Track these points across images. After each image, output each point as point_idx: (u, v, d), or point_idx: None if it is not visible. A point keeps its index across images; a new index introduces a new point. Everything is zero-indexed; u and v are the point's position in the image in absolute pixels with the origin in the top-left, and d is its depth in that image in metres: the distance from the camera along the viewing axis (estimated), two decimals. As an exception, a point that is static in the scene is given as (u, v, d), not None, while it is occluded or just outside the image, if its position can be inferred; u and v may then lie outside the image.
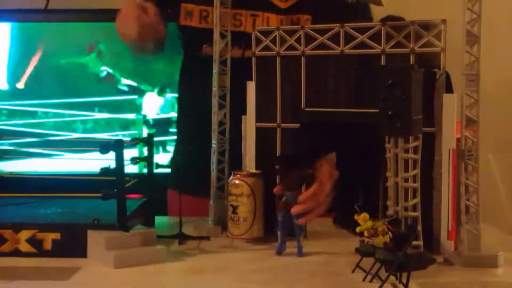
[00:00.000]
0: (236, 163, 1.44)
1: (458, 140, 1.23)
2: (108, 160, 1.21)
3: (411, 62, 1.27)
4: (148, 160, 1.38)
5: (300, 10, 1.62)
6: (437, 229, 1.24)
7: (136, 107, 2.33)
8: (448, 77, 1.35)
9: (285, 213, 1.28)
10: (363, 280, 1.08)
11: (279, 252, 1.27)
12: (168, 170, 1.55)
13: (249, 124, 1.42)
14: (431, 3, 2.68)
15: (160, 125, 2.34)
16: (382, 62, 1.30)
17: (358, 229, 1.11)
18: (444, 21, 1.25)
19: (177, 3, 1.68)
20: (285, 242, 1.27)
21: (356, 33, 1.32)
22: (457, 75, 1.20)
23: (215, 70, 1.43)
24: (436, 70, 1.24)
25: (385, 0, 1.43)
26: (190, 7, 1.67)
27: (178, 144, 1.85)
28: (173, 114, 2.26)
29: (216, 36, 1.43)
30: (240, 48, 1.59)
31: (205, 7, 1.64)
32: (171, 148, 2.16)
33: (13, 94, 2.30)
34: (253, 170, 1.41)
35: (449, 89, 1.27)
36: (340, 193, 1.41)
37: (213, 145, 1.43)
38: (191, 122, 1.77)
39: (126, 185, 1.23)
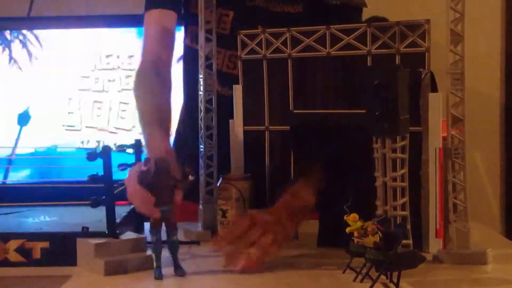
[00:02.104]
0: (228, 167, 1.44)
1: (445, 138, 1.23)
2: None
3: (397, 63, 1.28)
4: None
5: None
6: (425, 227, 1.25)
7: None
8: (432, 76, 1.36)
9: (158, 231, 1.15)
10: (354, 280, 1.09)
11: (160, 277, 1.13)
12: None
13: (237, 128, 1.43)
14: (414, 3, 2.69)
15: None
16: (369, 63, 1.30)
17: (348, 230, 1.11)
18: (428, 21, 1.26)
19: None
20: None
21: (342, 35, 1.33)
22: (442, 74, 1.21)
23: (201, 74, 1.43)
24: (421, 70, 1.25)
25: (368, 1, 1.43)
26: (195, 30, 1.60)
27: None
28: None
29: (201, 39, 1.43)
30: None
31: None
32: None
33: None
34: (242, 174, 1.41)
35: (434, 88, 1.28)
36: (325, 194, 1.41)
37: (201, 150, 1.43)
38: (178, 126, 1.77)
39: (115, 192, 1.23)
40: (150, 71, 1.54)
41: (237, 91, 1.43)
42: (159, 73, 1.53)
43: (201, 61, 1.43)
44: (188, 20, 1.66)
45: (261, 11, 1.59)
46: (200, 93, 1.44)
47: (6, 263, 1.21)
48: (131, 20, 1.90)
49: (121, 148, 1.39)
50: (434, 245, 1.24)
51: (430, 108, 1.24)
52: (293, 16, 1.60)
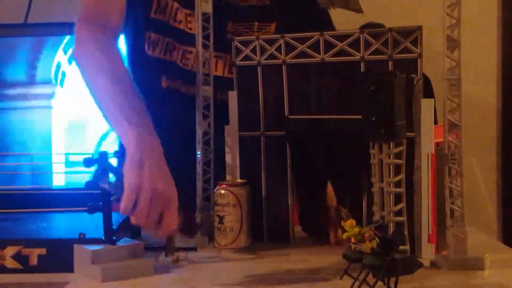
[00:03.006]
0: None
1: (438, 144, 1.24)
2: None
3: (390, 68, 1.28)
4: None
5: None
6: (418, 233, 1.25)
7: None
8: (428, 82, 1.36)
9: None
10: (352, 286, 1.08)
11: None
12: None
13: (232, 134, 1.43)
14: (411, 9, 2.71)
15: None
16: (362, 68, 1.31)
17: (345, 235, 1.11)
18: (420, 27, 1.27)
19: (143, 30, 1.60)
20: None
21: (336, 41, 1.33)
22: (439, 80, 1.21)
23: (198, 81, 1.43)
24: (414, 75, 1.25)
25: (364, 7, 1.43)
26: (155, 37, 1.60)
27: None
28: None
29: (198, 47, 1.43)
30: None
31: (172, 41, 1.59)
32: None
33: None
34: (239, 180, 1.41)
35: (430, 94, 1.28)
36: (302, 197, 1.41)
37: (198, 156, 1.43)
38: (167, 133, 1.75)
39: (111, 198, 1.22)
40: (93, 48, 1.43)
41: (232, 97, 1.43)
42: (104, 49, 1.43)
43: (198, 67, 1.43)
44: (148, 26, 1.60)
45: (231, 7, 1.58)
46: (197, 99, 1.44)
47: (2, 269, 1.21)
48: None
49: (118, 155, 1.37)
50: (427, 250, 1.24)
51: (422, 113, 1.24)
52: (260, 9, 1.59)
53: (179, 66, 1.60)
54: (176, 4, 1.58)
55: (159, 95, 1.60)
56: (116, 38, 1.53)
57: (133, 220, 1.18)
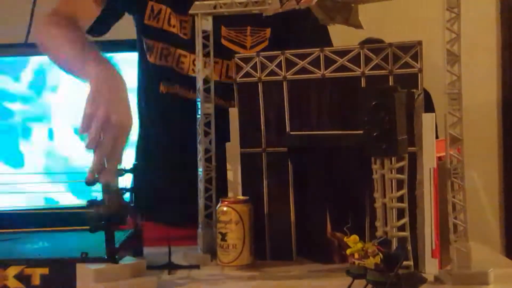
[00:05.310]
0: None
1: (440, 159, 1.24)
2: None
3: (390, 83, 1.28)
4: (133, 191, 1.37)
5: None
6: (421, 248, 1.24)
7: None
8: (428, 96, 1.36)
9: None
10: (356, 302, 1.08)
11: None
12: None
13: (234, 150, 1.43)
14: (410, 24, 2.72)
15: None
16: (362, 84, 1.31)
17: (348, 251, 1.10)
18: (420, 42, 1.27)
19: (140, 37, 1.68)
20: None
21: (336, 57, 1.34)
22: (439, 94, 1.21)
23: (199, 97, 1.43)
24: (414, 90, 1.25)
25: (365, 23, 1.44)
26: (150, 42, 1.66)
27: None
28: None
29: (199, 64, 1.43)
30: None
31: (166, 45, 1.63)
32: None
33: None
34: (241, 197, 1.41)
35: (430, 108, 1.28)
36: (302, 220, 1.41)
37: (200, 173, 1.43)
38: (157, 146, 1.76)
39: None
40: (48, 25, 1.55)
41: (233, 114, 1.43)
42: (58, 24, 1.53)
43: (199, 85, 1.43)
44: (143, 32, 1.66)
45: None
46: (198, 116, 1.44)
47: (5, 290, 1.21)
48: (129, 45, 1.90)
49: (119, 173, 1.37)
50: (430, 265, 1.24)
51: (423, 128, 1.24)
52: (253, 14, 1.60)
53: (175, 70, 1.63)
54: (169, 10, 1.61)
55: (159, 100, 1.67)
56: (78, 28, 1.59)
57: (86, 145, 1.22)
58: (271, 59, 1.40)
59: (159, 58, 1.64)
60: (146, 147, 1.76)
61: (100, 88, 1.25)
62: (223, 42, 1.58)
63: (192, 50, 1.52)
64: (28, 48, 2.24)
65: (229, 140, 1.43)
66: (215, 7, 1.39)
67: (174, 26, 1.61)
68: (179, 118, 1.62)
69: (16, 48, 2.34)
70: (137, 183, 1.39)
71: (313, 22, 1.40)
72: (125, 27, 1.71)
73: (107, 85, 1.27)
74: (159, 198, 1.65)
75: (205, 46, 1.44)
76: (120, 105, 1.26)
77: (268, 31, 1.61)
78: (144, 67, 1.69)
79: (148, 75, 1.70)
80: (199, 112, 1.44)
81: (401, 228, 1.17)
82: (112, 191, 1.22)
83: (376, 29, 1.63)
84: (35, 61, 2.39)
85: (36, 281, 1.21)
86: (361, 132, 1.15)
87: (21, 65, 2.42)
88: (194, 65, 1.60)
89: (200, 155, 1.43)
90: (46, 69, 2.37)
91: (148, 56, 1.66)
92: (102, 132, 1.21)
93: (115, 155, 1.22)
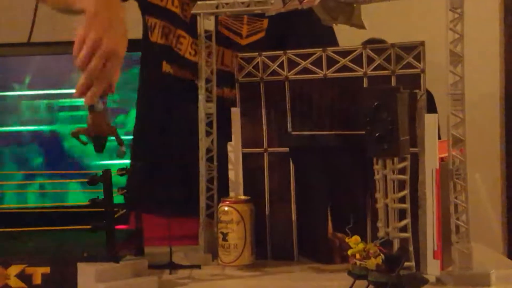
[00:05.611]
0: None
1: (443, 159, 1.23)
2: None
3: (393, 84, 1.28)
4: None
5: (261, 47, 1.51)
6: (423, 249, 1.24)
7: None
8: (431, 96, 1.36)
9: None
10: (357, 303, 1.08)
11: None
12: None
13: (236, 150, 1.43)
14: (413, 24, 2.71)
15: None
16: (365, 84, 1.31)
17: (349, 252, 1.10)
18: (423, 42, 1.26)
19: (142, 14, 1.67)
20: None
21: (338, 57, 1.34)
22: (442, 94, 1.21)
23: (201, 97, 1.43)
24: (417, 91, 1.25)
25: (367, 23, 1.44)
26: (153, 20, 1.65)
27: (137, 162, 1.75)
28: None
29: (201, 63, 1.43)
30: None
31: (168, 24, 1.64)
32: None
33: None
34: (242, 196, 1.41)
35: (432, 109, 1.28)
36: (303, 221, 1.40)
37: (201, 173, 1.43)
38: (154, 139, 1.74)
39: (115, 216, 1.22)
40: None
41: (235, 114, 1.43)
42: None
43: (201, 84, 1.43)
44: (146, 10, 1.66)
45: None
46: (200, 115, 1.43)
47: (6, 289, 1.21)
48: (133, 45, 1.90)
49: (121, 172, 1.36)
50: (432, 266, 1.23)
51: (426, 129, 1.24)
52: None
53: (174, 50, 1.63)
54: None
55: (161, 80, 1.66)
56: None
57: (76, 63, 1.23)
58: (273, 59, 1.40)
59: (160, 36, 1.64)
60: (145, 131, 1.76)
61: (98, 12, 1.26)
62: (220, 28, 1.58)
63: (190, 33, 1.53)
64: (31, 47, 2.25)
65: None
66: (217, 7, 1.39)
67: (177, 7, 1.62)
68: (181, 98, 1.61)
69: (19, 48, 2.34)
70: (135, 169, 1.40)
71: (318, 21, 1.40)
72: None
73: (106, 9, 1.27)
74: (158, 183, 1.64)
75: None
76: (115, 30, 1.27)
77: (265, 21, 1.60)
78: (147, 47, 1.69)
79: (151, 55, 1.69)
80: (201, 112, 1.43)
81: (403, 229, 1.17)
82: (96, 111, 1.24)
83: (378, 29, 1.62)
84: (37, 60, 2.39)
85: (38, 280, 1.21)
86: (363, 132, 1.15)
87: (24, 64, 2.41)
88: (191, 48, 1.60)
89: (202, 154, 1.43)
90: (47, 69, 2.37)
91: (149, 34, 1.66)
92: (92, 53, 1.23)
93: (104, 78, 1.24)
